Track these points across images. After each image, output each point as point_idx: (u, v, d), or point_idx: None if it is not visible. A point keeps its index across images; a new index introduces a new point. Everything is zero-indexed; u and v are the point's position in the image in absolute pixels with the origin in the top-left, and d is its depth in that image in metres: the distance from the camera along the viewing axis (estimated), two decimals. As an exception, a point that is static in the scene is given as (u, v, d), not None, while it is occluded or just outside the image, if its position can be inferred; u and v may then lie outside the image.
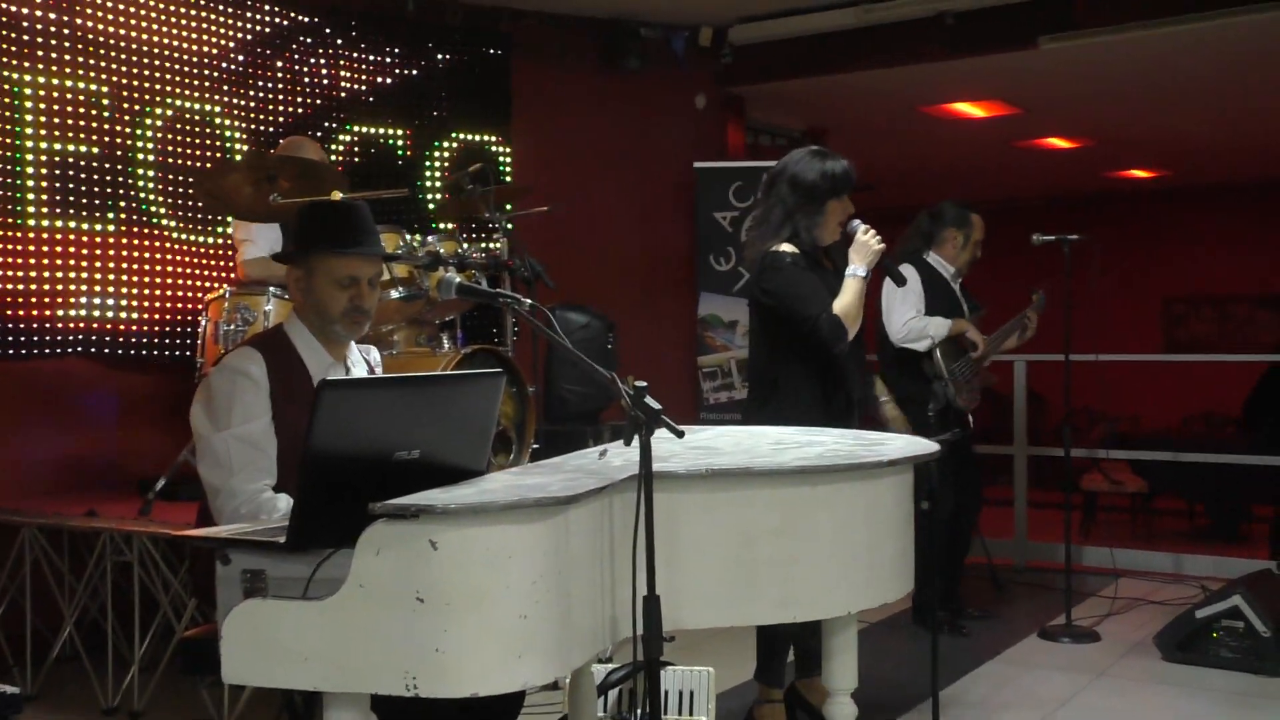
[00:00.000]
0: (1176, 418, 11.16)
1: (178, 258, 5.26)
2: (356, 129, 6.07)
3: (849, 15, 6.87)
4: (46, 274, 4.85)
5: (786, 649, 3.85)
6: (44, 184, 4.85)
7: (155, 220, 5.19)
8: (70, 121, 4.93)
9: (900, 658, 4.58)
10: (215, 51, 5.48)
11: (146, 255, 5.15)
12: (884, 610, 3.01)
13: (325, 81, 5.94)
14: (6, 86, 4.75)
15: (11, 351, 4.75)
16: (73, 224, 4.93)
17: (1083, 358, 5.60)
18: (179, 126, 5.31)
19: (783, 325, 3.61)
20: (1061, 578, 5.23)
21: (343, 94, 6.01)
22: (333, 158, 5.74)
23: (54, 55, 4.89)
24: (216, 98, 5.47)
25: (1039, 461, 6.81)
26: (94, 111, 5.01)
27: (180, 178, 5.28)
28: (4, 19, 4.75)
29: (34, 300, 4.80)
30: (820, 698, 3.73)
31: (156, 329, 5.16)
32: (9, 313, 4.74)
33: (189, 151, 5.35)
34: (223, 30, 5.50)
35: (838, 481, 2.49)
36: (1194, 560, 6.41)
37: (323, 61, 5.94)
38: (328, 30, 5.97)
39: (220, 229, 5.40)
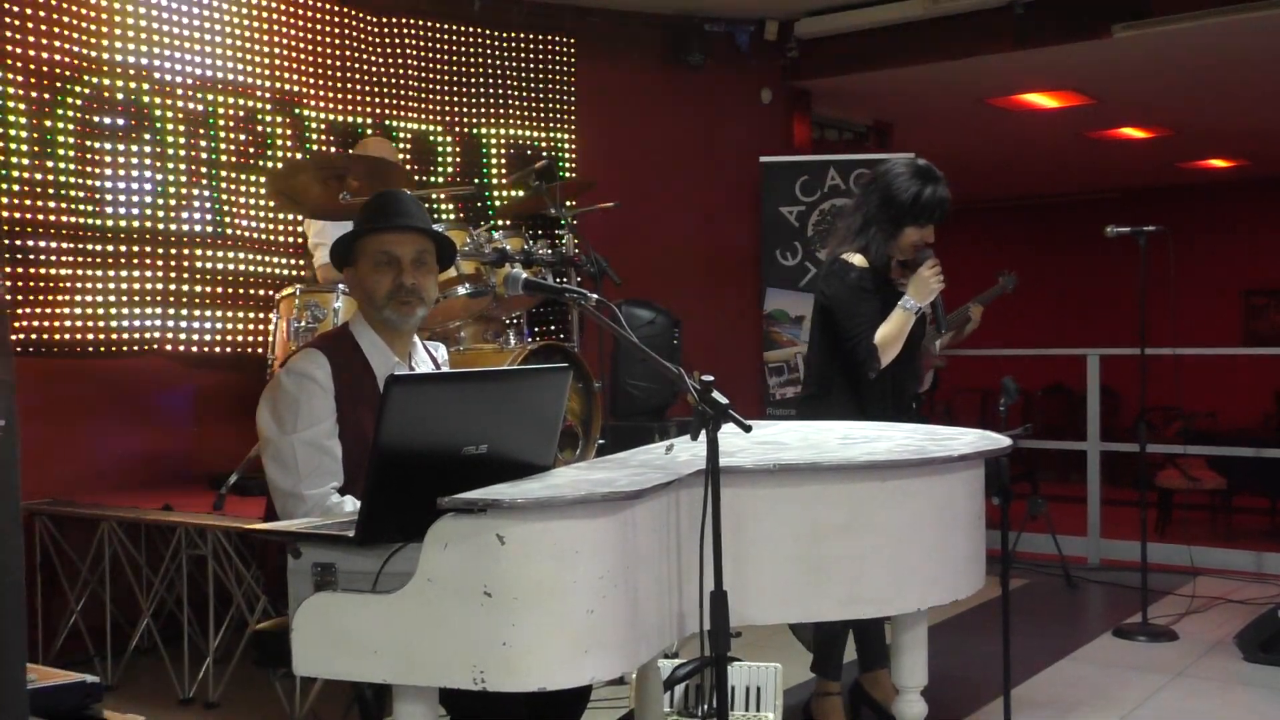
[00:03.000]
0: (1256, 413, 10.89)
1: (253, 256, 5.36)
2: (422, 127, 6.13)
3: (916, 7, 6.79)
4: (124, 274, 4.96)
5: (844, 642, 3.82)
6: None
7: (231, 220, 5.30)
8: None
9: (972, 655, 4.52)
10: (294, 46, 5.58)
11: (220, 254, 5.25)
12: (956, 606, 2.97)
13: (391, 79, 6.01)
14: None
15: (92, 350, 4.87)
16: (147, 225, 5.05)
17: (1159, 351, 5.48)
18: (250, 126, 5.41)
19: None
20: (1137, 576, 5.12)
21: (409, 92, 6.08)
22: (400, 156, 5.80)
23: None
24: (296, 93, 5.56)
25: (1113, 458, 6.68)
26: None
27: (254, 177, 5.38)
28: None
29: (112, 300, 4.92)
30: (884, 692, 3.70)
31: (230, 326, 5.26)
32: (90, 312, 4.86)
33: (262, 150, 5.45)
34: (293, 25, 5.60)
35: (907, 477, 2.45)
36: (1275, 559, 6.25)
37: (388, 60, 6.01)
38: (392, 29, 6.03)
39: (297, 229, 5.50)
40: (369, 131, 5.82)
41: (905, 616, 2.68)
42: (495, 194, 6.34)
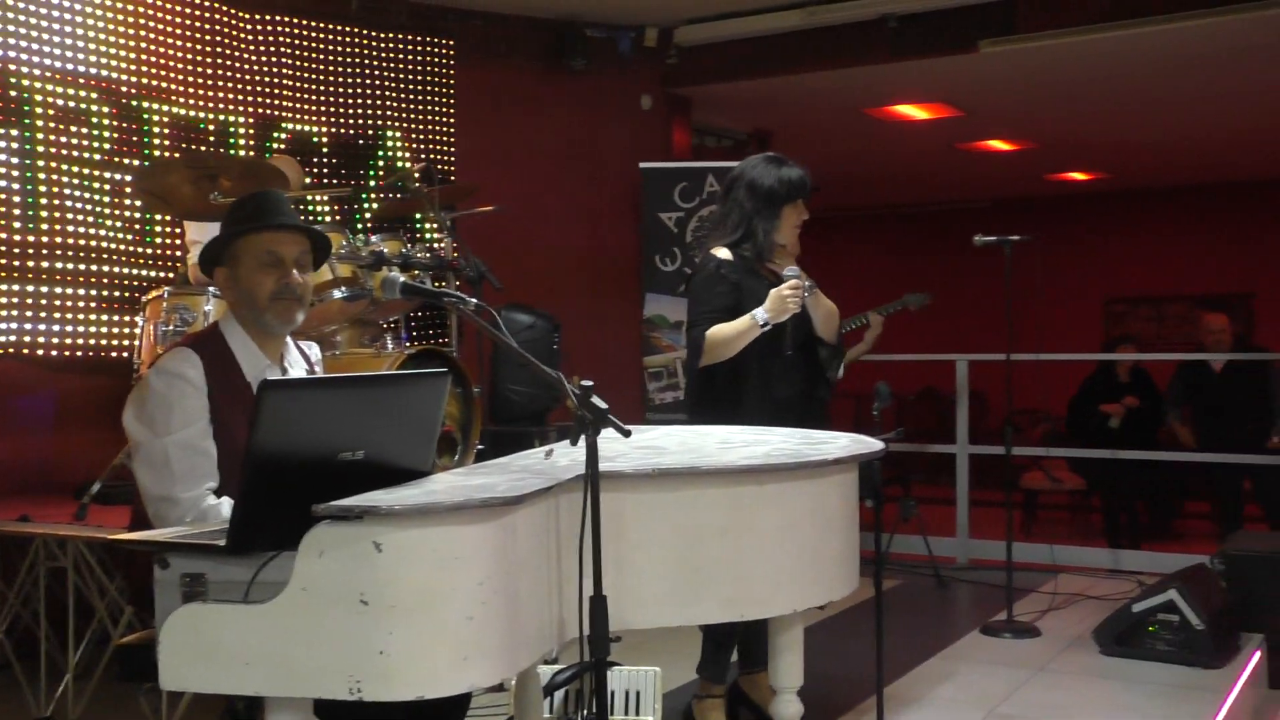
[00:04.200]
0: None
1: (117, 258, 5.18)
2: (299, 127, 6.01)
3: (794, 17, 6.92)
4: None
5: (732, 645, 3.86)
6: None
7: (95, 220, 5.11)
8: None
9: (846, 655, 4.61)
10: (166, 43, 5.41)
11: (83, 253, 5.06)
12: (831, 608, 3.02)
13: (268, 79, 5.88)
14: None
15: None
16: (4, 224, 4.84)
17: (1024, 357, 5.66)
18: (118, 124, 5.24)
19: None
20: (1003, 574, 5.29)
21: (285, 91, 5.95)
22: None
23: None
24: (166, 90, 5.40)
25: (980, 461, 6.90)
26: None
27: (119, 176, 5.20)
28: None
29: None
30: (763, 694, 3.75)
31: (93, 329, 5.07)
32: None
33: (130, 150, 5.28)
34: (166, 21, 5.43)
35: (784, 480, 2.49)
36: (1131, 555, 6.53)
37: (265, 59, 5.87)
38: (270, 27, 5.90)
39: (162, 229, 5.33)
40: (246, 133, 5.68)
41: (782, 618, 2.72)
42: (373, 196, 6.25)
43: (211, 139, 5.60)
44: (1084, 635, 4.93)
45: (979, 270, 9.41)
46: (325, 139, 6.12)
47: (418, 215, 5.42)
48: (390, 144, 6.37)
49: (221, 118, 5.66)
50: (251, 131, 5.71)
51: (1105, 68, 7.21)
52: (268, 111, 5.86)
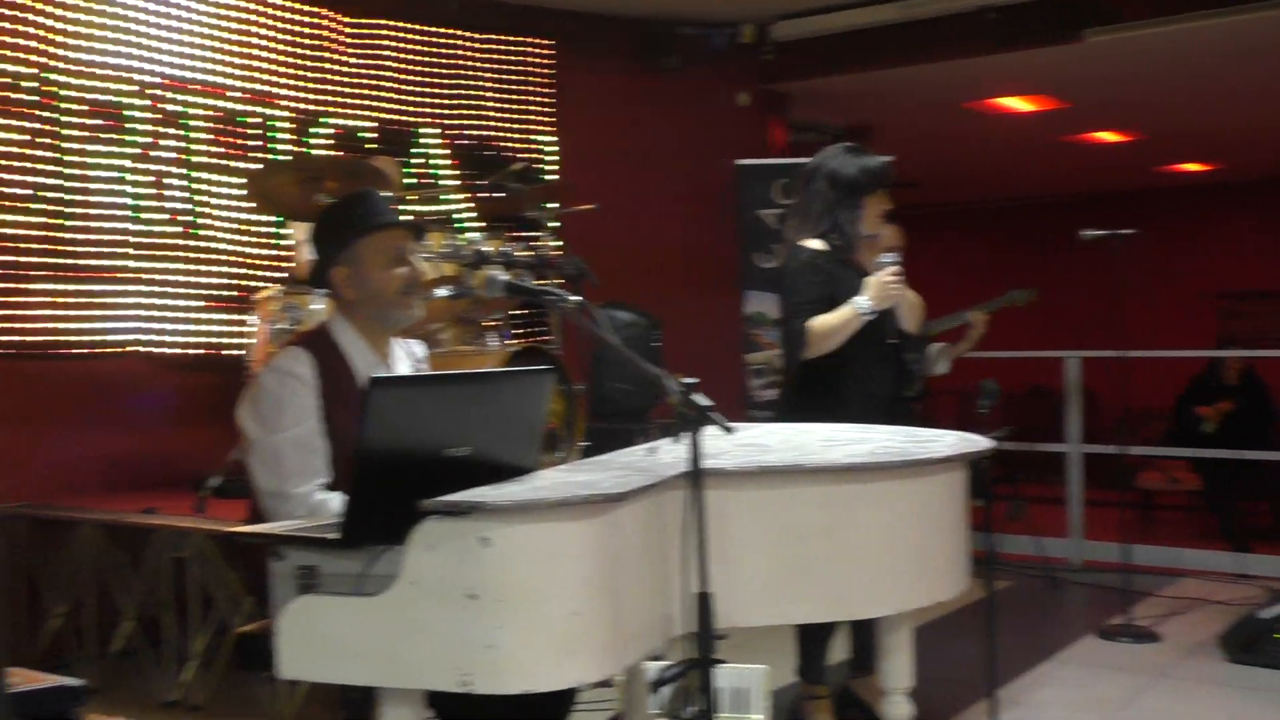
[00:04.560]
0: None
1: (230, 259, 5.34)
2: (404, 130, 6.11)
3: (892, 10, 6.81)
4: (103, 275, 4.93)
5: (826, 645, 3.83)
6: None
7: (207, 220, 5.27)
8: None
9: (957, 657, 4.53)
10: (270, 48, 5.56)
11: (199, 255, 5.23)
12: (941, 608, 2.97)
13: (371, 83, 5.99)
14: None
15: (68, 352, 4.83)
16: (129, 225, 5.02)
17: (1137, 353, 5.50)
18: (227, 127, 5.39)
19: None
20: (1119, 577, 5.15)
21: (387, 94, 6.06)
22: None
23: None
24: (272, 95, 5.54)
25: (1091, 460, 6.71)
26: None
27: (231, 179, 5.35)
28: None
29: (88, 302, 4.89)
30: (875, 696, 3.70)
31: (207, 328, 5.23)
32: (68, 314, 4.82)
33: (241, 153, 5.42)
34: (269, 27, 5.57)
35: (888, 479, 2.46)
36: (1257, 560, 6.28)
37: (368, 64, 5.99)
38: (371, 31, 6.01)
39: (276, 229, 5.48)
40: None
41: (890, 618, 2.69)
42: (474, 195, 6.32)
43: (313, 140, 5.72)
44: (1207, 641, 4.77)
45: (1081, 266, 9.18)
46: (425, 140, 6.21)
47: (519, 214, 5.48)
48: (490, 144, 6.44)
49: (326, 121, 5.78)
50: (356, 132, 5.82)
51: (1216, 54, 6.97)
52: (369, 114, 5.97)
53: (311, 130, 5.72)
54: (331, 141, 5.78)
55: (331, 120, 5.80)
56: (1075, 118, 8.88)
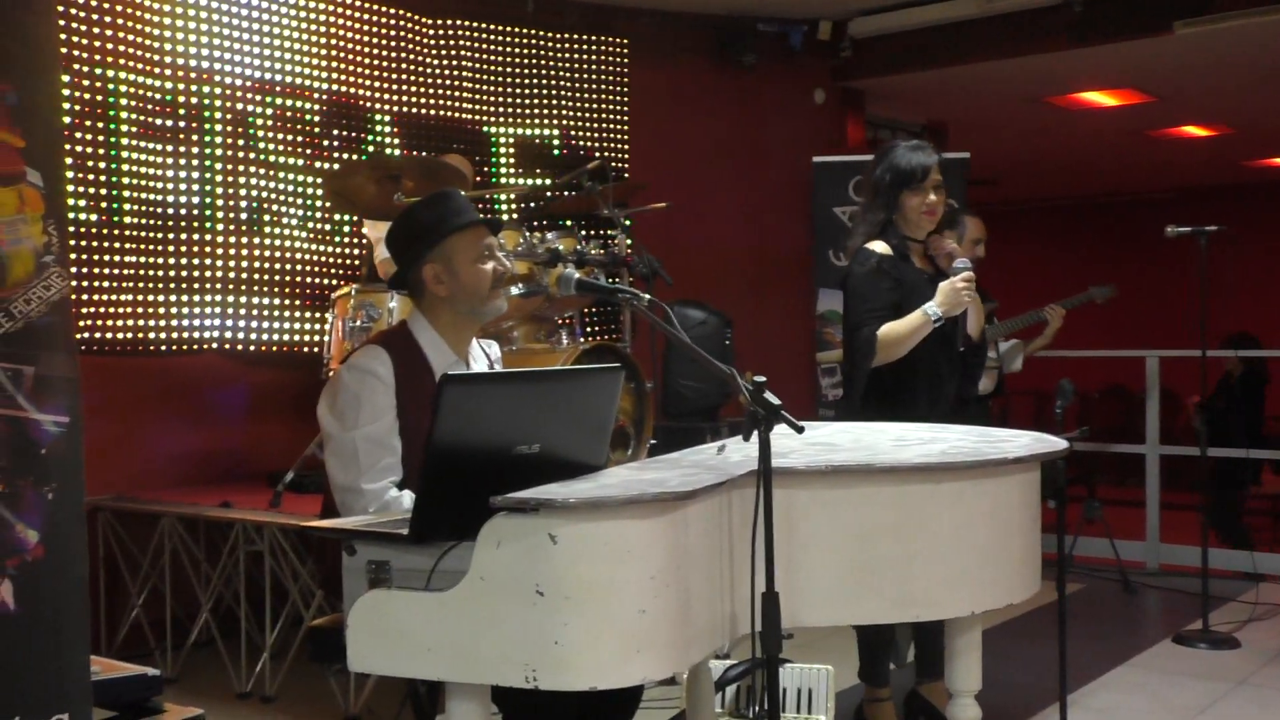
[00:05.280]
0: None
1: (307, 258, 5.44)
2: (477, 128, 6.18)
3: (970, 5, 6.73)
4: (184, 274, 5.05)
5: (888, 649, 3.81)
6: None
7: (286, 220, 5.37)
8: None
9: (1028, 660, 4.47)
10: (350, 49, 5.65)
11: (277, 255, 5.33)
12: (1013, 610, 2.94)
13: (447, 83, 6.06)
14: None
15: (151, 349, 4.96)
16: (207, 225, 5.13)
17: (1219, 354, 5.37)
18: (306, 127, 5.49)
19: None
20: (1197, 581, 5.03)
21: (464, 94, 6.12)
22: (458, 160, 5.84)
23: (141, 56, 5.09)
24: (350, 95, 5.63)
25: (1170, 461, 6.56)
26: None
27: (309, 178, 5.45)
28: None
29: (170, 300, 5.01)
30: (943, 700, 3.67)
31: (286, 325, 5.33)
32: (150, 311, 4.95)
33: (318, 152, 5.52)
34: (349, 29, 5.67)
35: (960, 479, 2.43)
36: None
37: (443, 61, 6.05)
38: (447, 30, 6.08)
39: (348, 229, 5.56)
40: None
41: (959, 620, 2.66)
42: (549, 195, 6.37)
43: (391, 141, 5.80)
44: (1288, 649, 4.65)
45: (1164, 262, 9.00)
46: (501, 138, 6.27)
47: (592, 212, 5.51)
48: (565, 142, 6.48)
49: (404, 120, 5.86)
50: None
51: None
52: (446, 114, 6.04)
53: (390, 130, 5.80)
54: (408, 140, 5.85)
55: (408, 119, 5.88)
56: (1161, 112, 8.68)
